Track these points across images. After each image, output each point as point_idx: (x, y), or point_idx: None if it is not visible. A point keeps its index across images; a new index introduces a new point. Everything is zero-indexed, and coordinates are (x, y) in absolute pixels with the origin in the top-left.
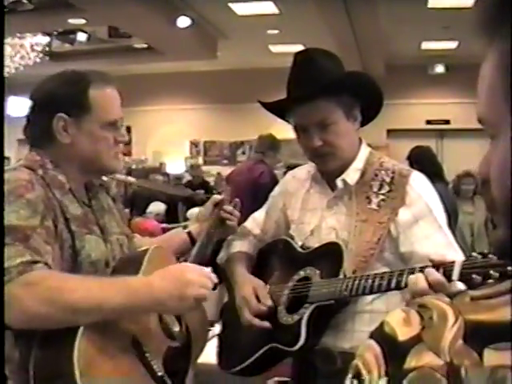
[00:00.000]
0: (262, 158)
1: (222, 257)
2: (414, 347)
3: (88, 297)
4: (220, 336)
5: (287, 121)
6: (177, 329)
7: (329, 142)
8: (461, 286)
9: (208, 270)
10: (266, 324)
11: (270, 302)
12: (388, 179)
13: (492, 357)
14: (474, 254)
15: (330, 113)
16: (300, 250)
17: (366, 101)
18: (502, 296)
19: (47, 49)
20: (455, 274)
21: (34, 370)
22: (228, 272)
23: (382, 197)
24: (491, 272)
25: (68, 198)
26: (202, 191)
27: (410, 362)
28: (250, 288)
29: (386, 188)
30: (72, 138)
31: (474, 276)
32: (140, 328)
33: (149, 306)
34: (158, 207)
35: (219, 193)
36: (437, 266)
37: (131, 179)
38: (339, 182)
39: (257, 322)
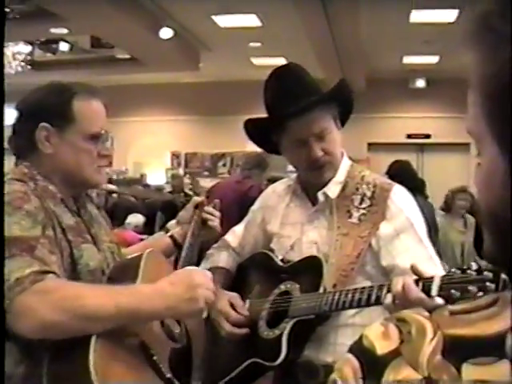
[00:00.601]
0: (249, 174)
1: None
2: (393, 361)
3: (102, 304)
4: None
5: (262, 144)
6: (177, 330)
7: (328, 151)
8: (439, 300)
9: (208, 272)
10: (246, 330)
11: (246, 312)
12: (369, 193)
13: (470, 371)
14: (453, 269)
15: (326, 122)
16: (280, 263)
17: (345, 108)
18: (481, 311)
19: (29, 58)
20: (434, 289)
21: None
22: None
23: (362, 211)
24: (470, 288)
25: (61, 208)
26: (182, 194)
27: (388, 375)
28: (225, 300)
29: (367, 202)
30: (54, 148)
31: (452, 291)
32: (145, 331)
33: (161, 311)
34: (136, 219)
35: (198, 195)
36: (416, 278)
37: (112, 186)
38: (320, 196)
39: (237, 330)
